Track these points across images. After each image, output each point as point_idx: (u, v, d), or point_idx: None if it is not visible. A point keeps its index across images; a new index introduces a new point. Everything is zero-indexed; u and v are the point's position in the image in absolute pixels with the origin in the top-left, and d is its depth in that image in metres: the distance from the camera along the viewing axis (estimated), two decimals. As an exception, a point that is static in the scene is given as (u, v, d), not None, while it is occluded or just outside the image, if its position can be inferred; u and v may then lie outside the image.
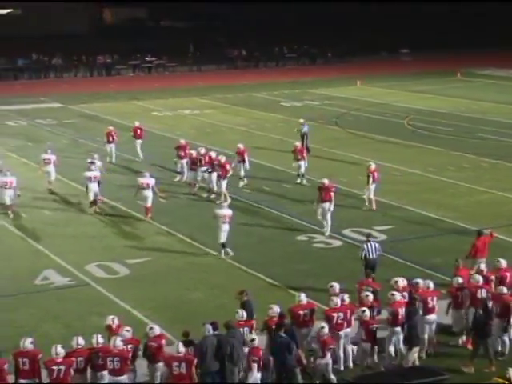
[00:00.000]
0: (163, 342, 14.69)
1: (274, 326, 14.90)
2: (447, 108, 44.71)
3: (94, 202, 25.80)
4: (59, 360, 13.67)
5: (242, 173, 28.81)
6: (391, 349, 15.63)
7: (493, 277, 17.14)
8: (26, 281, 20.14)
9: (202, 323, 14.66)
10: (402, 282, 16.47)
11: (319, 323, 15.47)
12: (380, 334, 15.79)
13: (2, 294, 19.37)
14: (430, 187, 28.43)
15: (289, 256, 21.75)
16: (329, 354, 14.75)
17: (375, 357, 15.64)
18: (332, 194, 23.28)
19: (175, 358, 13.80)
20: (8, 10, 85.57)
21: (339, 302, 15.68)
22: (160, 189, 25.82)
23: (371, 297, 16.08)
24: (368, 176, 25.64)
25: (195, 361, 13.98)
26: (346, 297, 15.96)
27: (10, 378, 13.91)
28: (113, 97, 50.26)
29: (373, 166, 25.91)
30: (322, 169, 29.70)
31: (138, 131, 33.01)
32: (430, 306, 16.13)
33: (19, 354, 13.85)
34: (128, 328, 14.74)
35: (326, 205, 23.14)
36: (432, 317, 16.22)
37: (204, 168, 27.69)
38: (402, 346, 15.53)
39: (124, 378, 14.12)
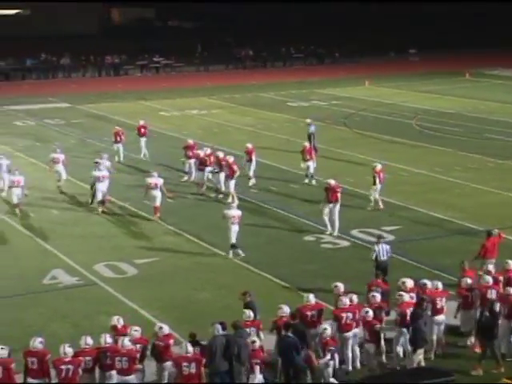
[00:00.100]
0: (171, 341, 14.73)
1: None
2: (455, 108, 44.66)
3: (102, 202, 25.88)
4: (67, 359, 13.71)
5: (251, 172, 28.86)
6: (399, 349, 15.63)
7: (501, 278, 17.13)
8: (34, 280, 20.22)
9: (212, 323, 14.69)
10: (410, 282, 16.47)
11: (327, 324, 15.53)
12: (389, 335, 15.83)
13: (11, 293, 19.45)
14: (436, 187, 28.41)
15: (296, 256, 21.77)
16: (328, 355, 14.70)
17: (383, 357, 15.65)
18: (338, 194, 23.28)
19: (184, 358, 13.83)
20: (17, 11, 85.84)
21: (348, 302, 15.69)
22: (167, 189, 25.87)
23: (378, 297, 16.08)
24: (374, 177, 25.65)
25: (204, 361, 14.03)
26: (355, 297, 15.96)
27: (18, 378, 13.95)
28: (120, 97, 50.35)
29: (378, 167, 25.90)
30: (328, 169, 29.70)
31: (142, 130, 33.14)
32: (438, 306, 16.13)
33: (28, 354, 13.91)
34: (137, 328, 14.78)
35: (333, 205, 23.14)
36: (441, 317, 16.21)
37: (209, 168, 27.76)
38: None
39: (132, 377, 14.16)
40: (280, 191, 28.11)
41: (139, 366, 14.41)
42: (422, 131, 38.56)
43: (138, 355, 14.34)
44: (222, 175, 27.13)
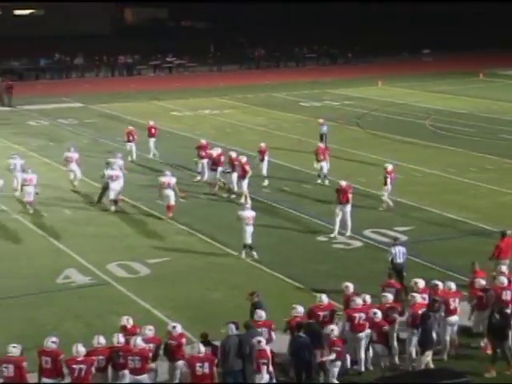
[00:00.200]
0: (183, 340, 14.74)
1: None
2: (468, 108, 44.50)
3: (115, 201, 25.94)
4: (80, 359, 13.74)
5: (264, 172, 28.84)
6: (412, 350, 15.58)
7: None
8: (47, 280, 20.28)
9: (225, 323, 14.71)
10: (422, 283, 16.42)
11: (343, 323, 15.54)
12: (402, 336, 15.79)
13: (24, 292, 19.51)
14: (450, 188, 28.31)
15: (309, 256, 21.74)
16: (333, 355, 14.65)
17: (396, 358, 15.62)
18: (349, 195, 23.22)
19: (197, 359, 13.83)
20: (31, 11, 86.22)
21: (361, 303, 15.66)
22: (180, 189, 25.90)
23: (390, 297, 16.02)
24: (385, 177, 25.59)
25: (216, 360, 14.04)
26: (368, 297, 15.92)
27: (30, 376, 13.99)
28: (133, 97, 50.45)
29: (390, 167, 25.85)
30: (341, 169, 29.66)
31: (153, 130, 33.24)
32: (451, 307, 16.07)
33: (42, 353, 13.97)
34: (150, 327, 14.80)
35: (344, 206, 23.09)
36: (454, 318, 16.15)
37: (220, 168, 27.79)
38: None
39: (145, 377, 14.18)
40: (292, 191, 28.09)
41: (152, 366, 14.44)
42: (435, 131, 38.45)
43: (151, 354, 14.35)
44: (235, 175, 27.13)
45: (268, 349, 14.57)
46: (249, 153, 29.87)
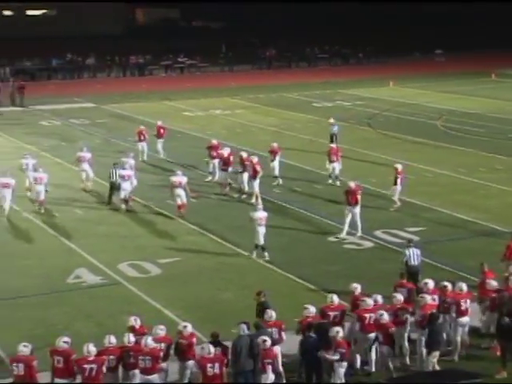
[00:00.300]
0: (194, 340, 14.77)
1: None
2: (479, 109, 44.37)
3: (125, 201, 26.02)
4: (91, 359, 13.78)
5: (277, 172, 28.85)
6: (422, 351, 15.54)
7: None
8: (58, 279, 20.34)
9: (237, 323, 14.74)
10: (431, 283, 16.38)
11: (350, 323, 15.54)
12: (413, 336, 15.77)
13: (36, 292, 19.59)
14: (461, 188, 28.25)
15: (319, 257, 21.74)
16: (337, 355, 14.59)
17: (407, 359, 15.59)
18: (358, 196, 23.17)
19: (208, 359, 13.85)
20: (43, 11, 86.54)
21: (371, 303, 15.63)
22: (191, 189, 25.94)
23: (400, 298, 15.98)
24: (396, 177, 25.56)
25: (225, 360, 14.06)
26: (380, 298, 15.89)
27: (40, 376, 14.04)
28: (145, 97, 50.56)
29: (400, 167, 25.82)
30: (352, 170, 29.62)
31: (161, 130, 33.29)
32: (462, 308, 16.03)
33: (54, 352, 14.01)
34: (162, 326, 14.82)
35: (353, 208, 23.07)
36: (465, 319, 16.10)
37: (230, 169, 27.82)
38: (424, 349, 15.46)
39: (155, 376, 14.22)
40: (304, 192, 28.09)
41: (163, 365, 14.47)
42: (446, 132, 38.36)
43: (162, 354, 14.39)
44: (246, 175, 27.15)
45: (274, 348, 14.58)
46: (260, 153, 29.88)
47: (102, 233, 24.06)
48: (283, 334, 15.21)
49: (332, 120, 34.50)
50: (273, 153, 29.04)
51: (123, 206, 25.92)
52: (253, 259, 21.52)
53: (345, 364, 14.55)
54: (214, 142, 29.96)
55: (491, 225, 24.00)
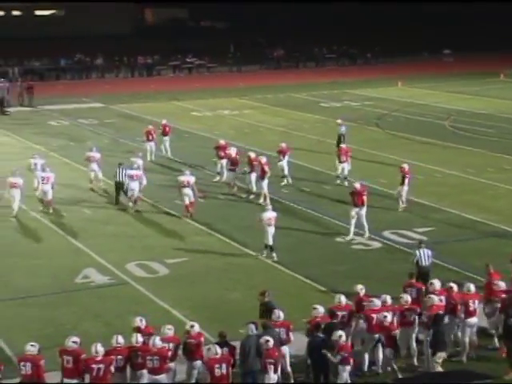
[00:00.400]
0: (202, 339, 14.78)
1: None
2: (488, 109, 44.27)
3: (134, 201, 26.06)
4: (99, 359, 13.80)
5: (286, 172, 28.83)
6: (429, 351, 15.49)
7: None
8: (66, 279, 20.38)
9: (245, 323, 14.74)
10: (438, 284, 16.34)
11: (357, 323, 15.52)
12: (421, 337, 15.74)
13: (44, 292, 19.63)
14: (469, 189, 28.19)
15: (327, 257, 21.72)
16: (338, 357, 14.44)
17: (414, 359, 15.56)
18: (364, 197, 23.12)
19: (215, 360, 13.85)
20: (52, 11, 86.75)
21: (379, 304, 15.60)
22: (198, 189, 25.96)
23: (408, 298, 15.93)
24: (403, 177, 25.53)
25: (232, 361, 14.06)
26: (389, 298, 15.83)
27: (47, 375, 14.06)
28: (153, 97, 50.61)
29: (407, 167, 25.78)
30: (360, 170, 29.59)
31: (167, 128, 33.43)
32: (471, 309, 15.99)
33: (64, 352, 14.03)
34: (170, 326, 14.83)
35: (360, 209, 23.02)
36: (473, 320, 16.06)
37: (237, 169, 27.85)
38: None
39: (163, 376, 14.23)
40: (312, 192, 28.07)
41: (171, 365, 14.48)
42: (455, 132, 38.28)
43: (170, 354, 14.40)
44: (253, 175, 27.15)
45: (281, 349, 14.55)
46: (268, 153, 29.87)
47: (110, 233, 24.10)
48: (291, 334, 15.19)
49: (339, 120, 34.47)
50: (281, 153, 29.03)
51: (130, 205, 25.96)
52: (260, 259, 21.51)
53: (348, 368, 14.46)
54: (222, 142, 29.98)
55: (500, 225, 23.94)
